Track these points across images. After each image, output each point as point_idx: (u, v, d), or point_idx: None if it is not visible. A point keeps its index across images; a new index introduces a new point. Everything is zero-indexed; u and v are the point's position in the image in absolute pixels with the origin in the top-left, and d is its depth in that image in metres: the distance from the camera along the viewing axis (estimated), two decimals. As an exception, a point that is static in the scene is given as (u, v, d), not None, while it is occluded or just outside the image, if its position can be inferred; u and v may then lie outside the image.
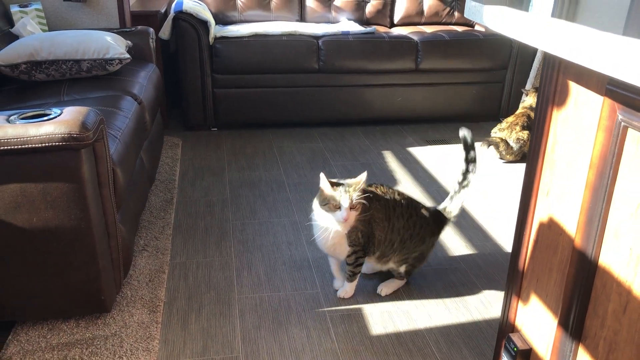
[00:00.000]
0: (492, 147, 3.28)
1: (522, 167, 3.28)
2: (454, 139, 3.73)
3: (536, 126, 1.50)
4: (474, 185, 3.03)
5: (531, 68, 3.71)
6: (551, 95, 1.42)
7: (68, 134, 1.57)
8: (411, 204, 2.09)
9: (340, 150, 3.47)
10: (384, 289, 2.12)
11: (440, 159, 3.38)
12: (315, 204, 1.96)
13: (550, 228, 1.46)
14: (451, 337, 1.90)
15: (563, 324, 1.39)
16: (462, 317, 2.00)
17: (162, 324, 1.91)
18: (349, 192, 1.87)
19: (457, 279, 2.23)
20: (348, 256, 2.02)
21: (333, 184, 1.90)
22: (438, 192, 2.95)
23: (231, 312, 1.99)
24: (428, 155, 3.43)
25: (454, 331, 1.93)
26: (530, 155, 1.52)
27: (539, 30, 1.18)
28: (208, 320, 1.94)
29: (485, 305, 2.07)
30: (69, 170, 1.62)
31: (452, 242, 2.49)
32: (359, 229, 1.96)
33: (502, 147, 3.25)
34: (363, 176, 1.92)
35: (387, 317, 1.99)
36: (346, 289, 2.10)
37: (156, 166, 2.85)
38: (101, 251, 1.77)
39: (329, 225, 1.93)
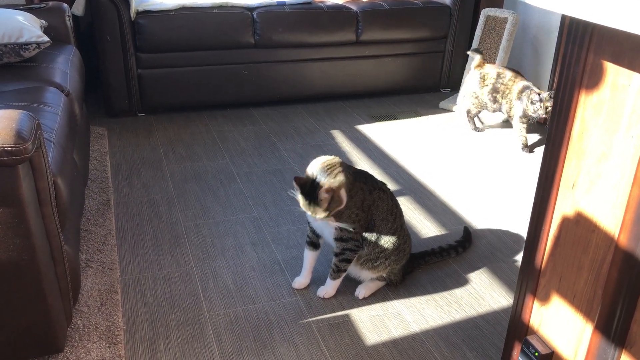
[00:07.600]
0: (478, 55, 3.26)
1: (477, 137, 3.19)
2: (399, 113, 3.58)
3: (557, 111, 1.34)
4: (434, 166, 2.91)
5: (474, 35, 3.60)
6: (578, 76, 1.27)
7: (1, 147, 1.24)
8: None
9: (287, 132, 3.22)
10: (363, 291, 1.93)
11: (391, 136, 3.22)
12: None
13: (579, 224, 1.33)
14: (450, 339, 1.75)
15: (602, 329, 1.27)
16: (455, 314, 1.86)
17: (126, 358, 1.63)
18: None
19: (440, 269, 2.09)
20: (335, 240, 1.82)
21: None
22: (398, 173, 2.79)
23: (204, 334, 1.73)
24: (377, 133, 3.26)
25: (452, 332, 1.78)
26: (549, 142, 1.37)
27: None
28: (180, 347, 1.68)
29: (475, 298, 1.94)
30: (3, 192, 1.29)
31: (424, 228, 2.34)
32: (353, 210, 1.77)
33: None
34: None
35: (378, 322, 1.81)
36: (327, 287, 1.91)
37: (87, 163, 2.49)
38: (48, 284, 1.46)
39: None
